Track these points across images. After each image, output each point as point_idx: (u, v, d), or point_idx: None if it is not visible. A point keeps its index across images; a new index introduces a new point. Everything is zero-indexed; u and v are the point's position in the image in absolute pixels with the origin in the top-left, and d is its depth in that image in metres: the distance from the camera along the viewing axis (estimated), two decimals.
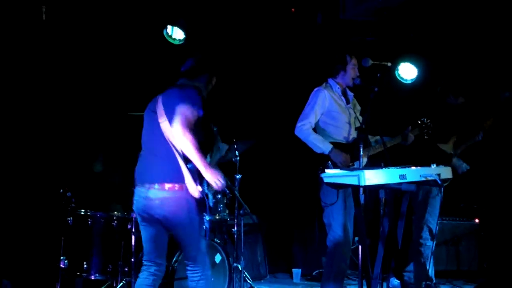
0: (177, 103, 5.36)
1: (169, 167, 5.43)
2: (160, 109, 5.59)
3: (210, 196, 5.62)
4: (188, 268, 5.64)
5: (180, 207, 5.42)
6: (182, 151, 5.33)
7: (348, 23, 9.63)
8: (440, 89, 8.19)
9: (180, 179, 5.40)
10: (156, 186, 5.42)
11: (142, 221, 5.68)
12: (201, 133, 5.42)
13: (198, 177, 5.40)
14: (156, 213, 5.47)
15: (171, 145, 5.43)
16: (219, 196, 7.60)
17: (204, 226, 5.64)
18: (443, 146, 7.95)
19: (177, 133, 5.22)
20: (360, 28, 9.75)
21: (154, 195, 5.43)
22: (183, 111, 5.29)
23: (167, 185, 5.40)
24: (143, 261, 5.73)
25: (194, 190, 5.38)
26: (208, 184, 5.45)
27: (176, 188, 5.40)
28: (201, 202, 5.47)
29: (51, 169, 8.44)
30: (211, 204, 5.58)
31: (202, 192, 5.43)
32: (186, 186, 5.39)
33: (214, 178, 5.35)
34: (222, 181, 5.42)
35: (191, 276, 5.62)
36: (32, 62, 8.51)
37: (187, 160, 5.36)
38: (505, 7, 8.92)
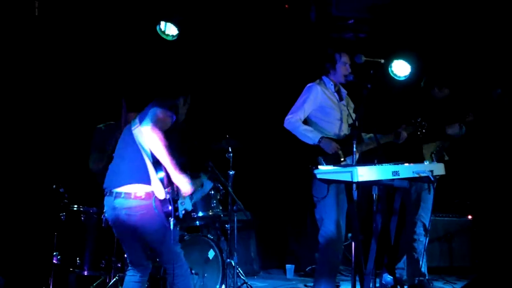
0: (150, 108, 5.45)
1: (135, 168, 5.48)
2: (135, 120, 5.67)
3: (180, 200, 5.63)
4: (167, 269, 5.79)
5: (148, 216, 5.46)
6: (153, 157, 5.38)
7: (341, 20, 9.64)
8: (424, 83, 8.21)
9: (146, 180, 5.44)
10: (123, 194, 5.45)
11: (115, 233, 5.81)
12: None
13: (168, 182, 5.43)
14: (125, 223, 5.52)
15: (141, 149, 5.47)
16: (212, 192, 7.60)
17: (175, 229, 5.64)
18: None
19: (146, 131, 5.25)
20: (353, 25, 9.76)
21: (121, 204, 5.47)
22: (155, 111, 5.37)
23: (133, 193, 5.43)
24: (128, 268, 5.89)
25: (160, 192, 5.41)
26: (177, 189, 5.49)
27: (143, 196, 5.42)
28: (166, 205, 5.48)
29: (44, 165, 8.43)
30: (179, 209, 5.59)
31: (169, 195, 5.45)
32: (152, 192, 5.43)
33: (183, 182, 5.39)
34: (190, 186, 5.44)
35: (170, 274, 5.71)
36: (24, 58, 8.49)
37: (157, 166, 5.41)
38: (496, 3, 8.94)
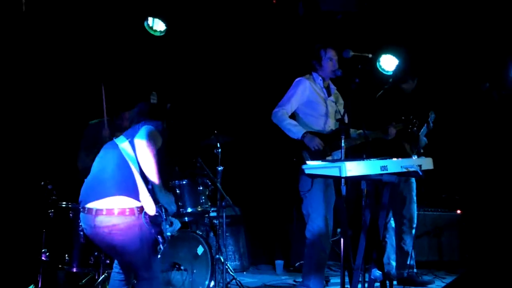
0: (141, 125, 5.30)
1: (121, 179, 5.20)
2: (120, 137, 5.43)
3: (164, 216, 5.37)
4: (136, 284, 5.45)
5: (130, 236, 5.17)
6: (141, 170, 5.17)
7: (329, 14, 9.64)
8: (392, 78, 8.25)
9: (132, 193, 5.16)
10: (104, 211, 5.10)
11: (96, 244, 5.49)
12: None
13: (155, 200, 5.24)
14: (105, 241, 5.23)
15: (129, 162, 5.20)
16: (200, 188, 7.59)
17: (159, 247, 5.33)
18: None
19: (140, 145, 5.08)
20: (341, 19, 9.76)
21: (101, 222, 5.13)
22: (149, 129, 5.20)
23: (117, 209, 5.10)
24: (114, 265, 5.70)
25: (151, 207, 5.17)
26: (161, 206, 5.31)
27: (127, 213, 5.12)
28: (155, 221, 5.28)
29: (32, 162, 8.41)
30: (165, 226, 5.39)
31: (157, 211, 5.24)
32: (137, 209, 5.16)
33: (170, 201, 5.28)
34: (174, 207, 5.36)
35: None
36: (12, 55, 8.46)
37: (146, 181, 5.20)
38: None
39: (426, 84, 9.03)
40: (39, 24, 8.61)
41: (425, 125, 8.52)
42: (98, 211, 5.13)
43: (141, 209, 5.19)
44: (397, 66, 8.83)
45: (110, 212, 5.11)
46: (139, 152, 5.10)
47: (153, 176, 5.11)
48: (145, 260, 5.30)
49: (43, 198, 7.22)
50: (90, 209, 5.18)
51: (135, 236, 5.17)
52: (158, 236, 5.30)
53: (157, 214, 5.23)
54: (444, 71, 8.87)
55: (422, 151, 8.26)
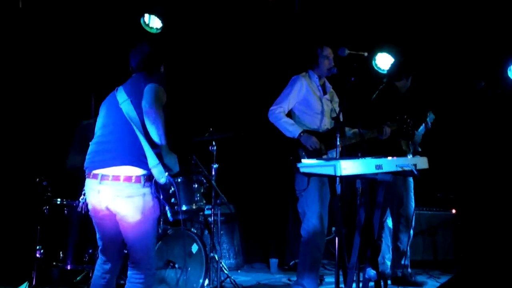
0: (146, 83, 5.11)
1: (127, 148, 5.10)
2: (121, 93, 5.31)
3: (175, 186, 5.31)
4: (130, 270, 5.29)
5: (134, 204, 5.09)
6: (146, 133, 5.05)
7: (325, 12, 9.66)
8: (387, 77, 8.23)
9: (139, 162, 5.08)
10: (110, 177, 5.05)
11: (95, 217, 5.33)
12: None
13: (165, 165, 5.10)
14: (107, 210, 5.16)
15: (133, 126, 5.10)
16: (195, 185, 7.58)
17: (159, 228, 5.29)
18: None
19: (149, 111, 4.94)
20: (337, 17, 9.77)
21: (107, 188, 5.09)
22: (155, 89, 5.04)
23: (123, 176, 5.05)
24: (99, 255, 5.47)
25: (161, 175, 5.06)
26: (167, 169, 5.13)
27: (133, 180, 5.07)
28: (165, 190, 5.20)
29: (27, 158, 8.41)
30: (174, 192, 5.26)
31: (168, 179, 5.11)
32: (145, 176, 5.10)
33: (174, 161, 5.13)
34: (177, 167, 5.18)
35: (131, 278, 5.26)
36: (8, 52, 8.46)
37: (153, 145, 5.07)
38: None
39: (423, 83, 9.05)
40: (36, 21, 8.61)
41: (423, 124, 8.53)
42: (103, 177, 5.09)
43: (148, 177, 5.12)
44: (391, 64, 8.82)
45: (116, 178, 5.06)
46: (148, 117, 4.97)
47: (160, 138, 5.00)
48: (144, 239, 5.22)
49: (38, 194, 7.21)
50: (95, 174, 5.13)
51: (138, 206, 5.09)
52: (166, 204, 5.28)
53: (167, 182, 5.13)
54: (439, 70, 8.87)
55: (419, 149, 8.26)
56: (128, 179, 5.07)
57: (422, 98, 8.72)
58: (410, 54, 8.88)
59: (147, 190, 5.13)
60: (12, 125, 8.43)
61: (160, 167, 5.05)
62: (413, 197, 7.97)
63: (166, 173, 5.10)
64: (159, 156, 5.08)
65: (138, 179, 5.08)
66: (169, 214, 5.32)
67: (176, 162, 5.17)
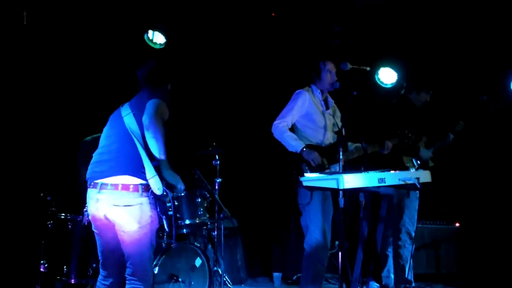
0: (148, 99, 5.20)
1: (126, 158, 5.19)
2: (125, 107, 5.42)
3: (170, 195, 5.34)
4: (128, 281, 5.33)
5: (131, 213, 5.16)
6: (145, 146, 5.13)
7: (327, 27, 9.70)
8: (404, 90, 8.20)
9: (138, 173, 5.16)
10: (109, 186, 5.16)
11: (95, 227, 5.44)
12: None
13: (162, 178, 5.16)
14: (106, 218, 5.24)
15: (134, 139, 5.20)
16: (198, 200, 7.60)
17: (164, 226, 5.30)
18: (422, 151, 7.96)
19: (149, 125, 5.02)
20: (340, 31, 9.80)
21: (105, 196, 5.19)
22: (157, 105, 5.12)
23: (121, 184, 5.14)
24: (100, 270, 5.56)
25: (157, 186, 5.13)
26: (166, 184, 5.22)
27: (131, 189, 5.15)
28: (161, 202, 5.26)
29: (31, 173, 8.43)
30: (170, 204, 5.31)
31: (165, 190, 5.19)
32: (143, 186, 5.16)
33: (174, 180, 5.20)
34: (182, 185, 5.26)
35: None
36: (13, 67, 8.50)
37: (152, 157, 5.14)
38: (484, 11, 9.00)
39: (444, 99, 9.07)
40: (40, 37, 8.65)
41: (439, 141, 8.38)
42: (103, 185, 5.20)
43: (145, 187, 5.19)
44: (400, 76, 8.85)
45: (114, 186, 5.15)
46: (148, 131, 5.05)
47: (160, 153, 5.06)
48: (141, 249, 5.25)
49: (42, 209, 7.23)
50: (95, 184, 5.26)
51: (134, 216, 5.16)
52: (163, 216, 5.29)
53: (164, 193, 5.20)
54: (441, 83, 8.88)
55: (431, 164, 8.19)
56: (126, 187, 5.15)
57: (440, 114, 8.70)
58: (415, 67, 8.90)
59: (144, 200, 5.19)
60: (16, 140, 8.46)
61: (157, 178, 5.12)
62: (414, 212, 7.90)
63: (164, 185, 5.14)
64: (157, 169, 5.13)
65: (136, 188, 5.15)
66: (165, 225, 5.32)
67: (179, 179, 5.24)
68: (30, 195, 8.03)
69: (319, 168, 6.88)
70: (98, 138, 7.33)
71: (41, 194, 7.27)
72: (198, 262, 7.34)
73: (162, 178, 5.16)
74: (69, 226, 7.10)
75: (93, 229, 5.47)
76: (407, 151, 7.74)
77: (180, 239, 7.66)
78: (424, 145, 8.06)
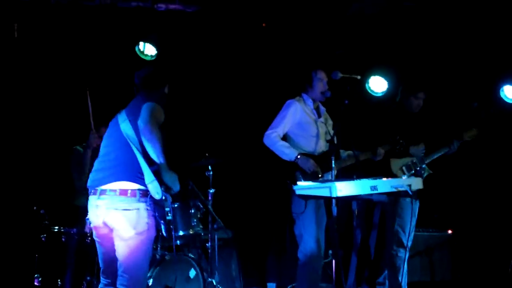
0: (143, 103, 5.20)
1: (124, 165, 5.21)
2: (122, 114, 5.45)
3: (169, 199, 5.30)
4: None
5: (128, 218, 5.16)
6: (143, 151, 5.13)
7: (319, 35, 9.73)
8: (400, 96, 8.18)
9: (136, 178, 5.17)
10: (108, 191, 5.18)
11: (96, 235, 5.43)
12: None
13: (161, 182, 5.15)
14: (105, 223, 5.24)
15: (131, 145, 5.21)
16: (192, 210, 7.60)
17: (161, 233, 5.31)
18: (412, 148, 7.92)
19: (144, 129, 5.01)
20: (330, 41, 9.83)
21: (104, 202, 5.21)
22: (151, 108, 5.12)
23: (119, 190, 5.15)
24: (101, 279, 5.51)
25: (156, 190, 5.13)
26: (166, 188, 5.20)
27: (129, 194, 5.15)
28: (160, 206, 5.23)
29: (24, 187, 8.43)
30: (169, 209, 5.30)
31: (164, 195, 5.17)
32: (141, 191, 5.17)
33: (173, 179, 5.18)
34: (178, 186, 5.25)
35: None
36: (5, 79, 8.52)
37: (150, 162, 5.14)
38: (477, 20, 9.04)
39: (445, 104, 9.09)
40: (31, 50, 8.67)
41: (442, 148, 8.28)
42: (102, 191, 5.22)
43: (144, 192, 5.19)
44: (391, 85, 8.85)
45: (113, 191, 5.17)
46: (143, 135, 5.04)
47: (158, 156, 5.05)
48: (134, 259, 5.22)
49: (35, 222, 7.24)
50: (95, 190, 5.28)
51: (131, 221, 5.15)
52: (162, 221, 5.29)
53: (163, 198, 5.18)
54: (432, 90, 8.89)
55: (429, 172, 8.11)
56: (123, 192, 5.16)
57: (438, 121, 8.71)
58: (404, 73, 8.93)
59: (142, 205, 5.20)
60: (9, 154, 8.46)
61: (156, 183, 5.12)
62: (407, 219, 7.83)
63: (163, 189, 5.14)
64: (156, 174, 5.13)
65: (133, 193, 5.16)
66: (163, 230, 5.30)
67: (176, 180, 5.23)
68: (23, 209, 8.02)
69: (314, 176, 6.89)
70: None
71: (34, 208, 7.28)
72: (192, 273, 7.34)
73: (161, 183, 5.16)
74: (63, 239, 7.11)
75: (94, 237, 5.47)
76: (398, 156, 7.71)
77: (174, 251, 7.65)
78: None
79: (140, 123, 5.07)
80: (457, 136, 8.13)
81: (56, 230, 7.20)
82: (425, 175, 7.87)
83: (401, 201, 7.57)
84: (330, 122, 7.54)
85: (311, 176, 6.85)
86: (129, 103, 5.57)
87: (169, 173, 5.15)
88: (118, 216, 5.18)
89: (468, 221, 9.79)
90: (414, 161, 7.84)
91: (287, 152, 6.99)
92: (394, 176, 7.54)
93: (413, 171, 7.75)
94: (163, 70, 5.75)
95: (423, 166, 7.90)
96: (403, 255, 7.65)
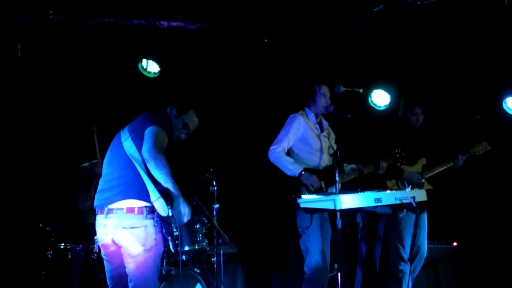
0: (147, 125, 5.23)
1: (129, 183, 5.21)
2: (124, 131, 5.45)
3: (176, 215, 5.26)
4: None
5: (136, 235, 5.18)
6: (147, 170, 5.12)
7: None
8: (401, 111, 8.17)
9: (141, 195, 5.18)
10: (115, 210, 5.19)
11: (104, 253, 5.44)
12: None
13: (167, 199, 5.15)
14: (114, 242, 5.26)
15: (134, 163, 5.21)
16: (197, 226, 7.61)
17: (170, 247, 5.31)
18: (408, 168, 7.92)
19: (149, 158, 5.03)
20: (333, 55, 9.86)
21: (111, 221, 5.22)
22: (154, 134, 5.14)
23: (125, 208, 5.16)
24: None
25: (163, 208, 5.13)
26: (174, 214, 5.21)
27: (136, 212, 5.16)
28: (167, 223, 5.24)
29: (30, 204, 8.45)
30: (175, 225, 5.30)
31: (170, 212, 5.16)
32: (148, 208, 5.18)
33: (183, 206, 5.22)
34: (189, 214, 5.28)
35: None
36: (8, 98, 8.56)
37: (155, 181, 5.14)
38: (479, 32, 9.06)
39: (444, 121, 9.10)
40: (35, 69, 8.71)
41: (446, 162, 8.25)
42: (109, 210, 5.23)
43: (150, 209, 5.20)
44: (393, 98, 8.86)
45: (120, 210, 5.18)
46: (149, 164, 5.06)
47: (166, 181, 5.09)
48: (143, 276, 5.24)
49: (41, 239, 7.25)
50: (102, 209, 5.28)
51: (139, 239, 5.17)
52: (169, 237, 5.30)
53: (169, 215, 5.17)
54: (435, 103, 8.91)
55: (429, 187, 8.05)
56: (131, 210, 5.17)
57: (441, 134, 8.72)
58: (407, 88, 8.94)
59: (149, 222, 5.21)
60: (15, 172, 8.49)
61: (162, 201, 5.12)
62: (410, 230, 7.81)
63: (169, 207, 5.14)
64: (162, 192, 5.14)
65: (140, 210, 5.17)
66: (171, 247, 5.32)
67: (188, 213, 5.28)
68: (29, 226, 8.04)
69: (317, 191, 6.90)
70: (95, 164, 7.42)
71: (40, 225, 7.29)
72: None
73: (167, 200, 5.16)
74: (69, 256, 7.11)
75: (102, 255, 5.48)
76: (390, 175, 7.70)
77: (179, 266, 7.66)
78: (421, 168, 8.03)
79: (144, 151, 5.10)
80: (462, 150, 8.12)
81: (62, 247, 7.22)
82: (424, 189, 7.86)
83: (398, 215, 7.52)
84: (332, 136, 7.56)
85: (316, 191, 6.86)
86: (132, 120, 5.58)
87: (183, 204, 5.21)
88: (126, 234, 5.19)
89: (473, 233, 9.77)
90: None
91: (291, 168, 7.01)
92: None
93: (410, 187, 7.75)
94: (166, 90, 5.79)
95: (422, 181, 7.90)
96: (405, 268, 7.64)
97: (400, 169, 7.70)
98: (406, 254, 7.63)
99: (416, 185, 7.72)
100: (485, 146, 8.21)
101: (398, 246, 7.65)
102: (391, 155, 7.42)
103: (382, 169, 7.34)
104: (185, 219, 5.30)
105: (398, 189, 7.64)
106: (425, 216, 7.84)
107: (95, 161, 7.68)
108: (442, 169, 8.07)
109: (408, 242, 7.66)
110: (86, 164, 7.79)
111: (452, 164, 8.07)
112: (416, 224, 7.69)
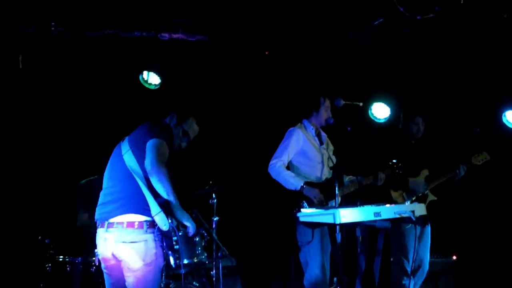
0: (147, 137, 5.22)
1: (129, 197, 5.18)
2: (125, 143, 5.43)
3: (178, 233, 5.31)
4: None
5: (136, 250, 5.15)
6: (148, 183, 5.11)
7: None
8: (402, 123, 8.18)
9: (141, 210, 5.15)
10: (115, 224, 5.16)
11: (104, 267, 5.41)
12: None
13: (168, 213, 5.14)
14: (114, 256, 5.24)
15: (134, 176, 5.19)
16: (196, 239, 7.60)
17: (171, 263, 5.34)
18: (412, 180, 7.91)
19: (151, 171, 5.02)
20: (333, 68, 9.86)
21: (112, 235, 5.19)
22: (156, 147, 5.14)
23: (126, 222, 5.13)
24: None
25: (163, 222, 5.11)
26: (177, 225, 5.24)
27: (136, 226, 5.13)
28: (168, 238, 5.22)
29: (29, 216, 8.44)
30: (176, 239, 5.29)
31: (171, 226, 5.16)
32: (148, 223, 5.15)
33: (186, 220, 5.21)
34: (193, 228, 5.28)
35: None
36: (9, 110, 8.56)
37: (156, 194, 5.12)
38: (478, 45, 9.07)
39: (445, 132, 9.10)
40: (36, 81, 8.72)
41: (447, 173, 8.23)
42: (109, 224, 5.20)
43: (151, 223, 5.17)
44: (393, 111, 8.86)
45: (120, 224, 5.15)
46: (151, 177, 5.05)
47: (168, 194, 5.07)
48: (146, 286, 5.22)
49: (40, 252, 7.24)
50: (103, 223, 5.26)
51: (139, 253, 5.14)
52: (169, 252, 5.30)
53: (170, 229, 5.17)
54: (435, 115, 8.91)
55: (433, 198, 8.02)
56: (131, 224, 5.14)
57: (442, 145, 8.72)
58: (407, 100, 8.94)
59: (149, 236, 5.18)
60: (14, 184, 8.49)
61: (163, 215, 5.10)
62: (410, 244, 7.79)
63: (170, 221, 5.14)
64: (162, 205, 5.12)
65: (140, 224, 5.14)
66: (172, 261, 5.32)
67: (190, 219, 5.26)
68: (28, 239, 8.03)
69: (320, 204, 6.89)
70: (93, 180, 7.42)
71: (39, 237, 7.29)
72: None
73: (167, 214, 5.15)
74: (68, 269, 7.10)
75: (102, 268, 5.45)
76: (395, 185, 7.69)
77: (179, 279, 7.65)
78: (424, 178, 8.01)
79: (147, 164, 5.08)
80: (463, 161, 8.12)
81: (61, 259, 7.21)
82: (428, 200, 7.85)
83: (403, 228, 7.53)
84: (331, 147, 7.56)
85: (317, 205, 6.85)
86: (133, 131, 5.57)
87: (181, 212, 5.19)
88: (126, 248, 5.17)
89: (472, 246, 9.76)
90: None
91: (292, 182, 7.00)
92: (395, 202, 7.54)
93: (414, 197, 7.74)
94: (167, 102, 5.79)
95: (426, 191, 7.89)
96: (407, 282, 7.62)
97: (405, 179, 7.69)
98: (409, 268, 7.61)
99: (421, 195, 7.74)
100: (485, 156, 8.19)
101: (402, 260, 7.62)
102: (388, 166, 7.41)
103: (380, 180, 7.31)
104: (193, 225, 5.30)
105: (403, 200, 7.65)
106: (428, 229, 7.82)
107: (93, 177, 7.70)
108: (444, 179, 8.06)
109: (411, 256, 7.64)
110: (83, 181, 7.80)
111: (453, 174, 8.06)
112: (419, 238, 7.69)
